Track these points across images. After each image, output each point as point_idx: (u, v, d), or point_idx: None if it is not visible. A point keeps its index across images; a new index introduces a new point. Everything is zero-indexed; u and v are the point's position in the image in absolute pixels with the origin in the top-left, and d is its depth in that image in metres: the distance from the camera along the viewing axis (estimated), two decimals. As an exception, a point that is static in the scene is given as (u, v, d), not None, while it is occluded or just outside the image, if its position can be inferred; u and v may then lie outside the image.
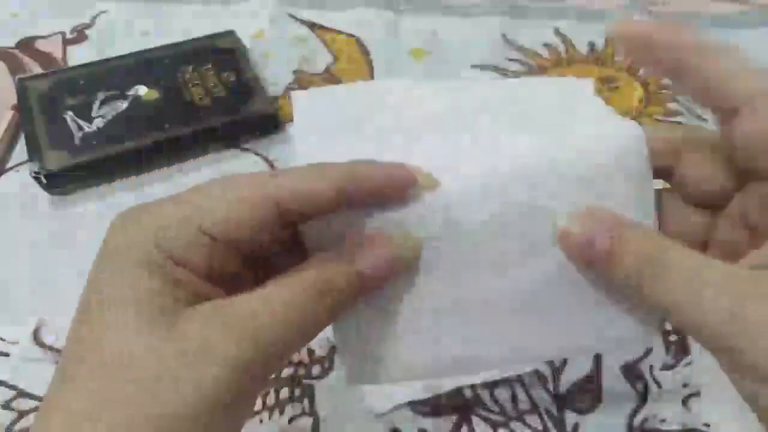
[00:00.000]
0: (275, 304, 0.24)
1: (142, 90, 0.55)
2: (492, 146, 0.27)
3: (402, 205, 0.27)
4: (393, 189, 0.26)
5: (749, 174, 0.26)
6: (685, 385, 0.40)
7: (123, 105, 0.54)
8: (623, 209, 0.26)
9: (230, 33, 0.61)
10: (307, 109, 0.28)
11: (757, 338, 0.22)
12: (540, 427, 0.39)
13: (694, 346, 0.41)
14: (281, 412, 0.39)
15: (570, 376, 0.41)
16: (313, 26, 0.65)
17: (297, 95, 0.28)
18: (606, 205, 0.26)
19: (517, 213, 0.26)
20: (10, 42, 0.63)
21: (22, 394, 0.41)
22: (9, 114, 0.55)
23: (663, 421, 0.39)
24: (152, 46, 0.59)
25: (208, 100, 0.55)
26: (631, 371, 0.41)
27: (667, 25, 0.27)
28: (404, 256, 0.27)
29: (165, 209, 0.25)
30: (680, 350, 0.41)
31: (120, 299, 0.24)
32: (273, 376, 0.40)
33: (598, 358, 0.41)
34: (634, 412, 0.39)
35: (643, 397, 0.40)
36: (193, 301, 0.24)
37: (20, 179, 0.52)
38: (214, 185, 0.26)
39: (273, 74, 0.60)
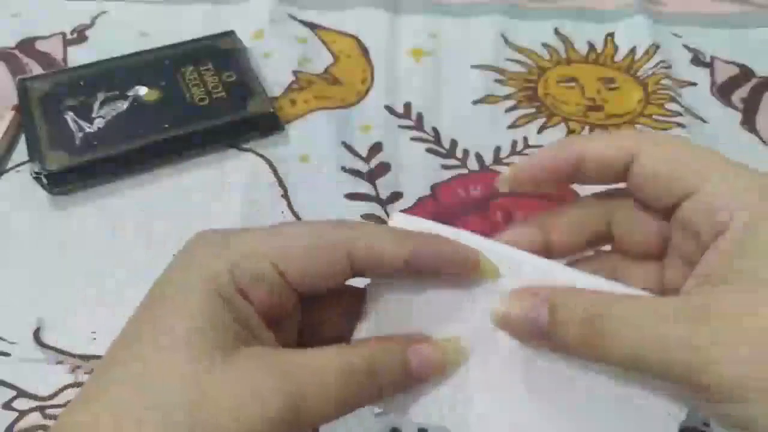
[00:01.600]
0: (325, 370, 0.25)
1: (142, 90, 0.55)
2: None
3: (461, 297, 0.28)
4: (457, 267, 0.27)
5: (667, 210, 0.28)
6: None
7: (123, 105, 0.54)
8: None
9: (230, 33, 0.61)
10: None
11: (715, 356, 0.22)
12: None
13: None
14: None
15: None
16: (313, 26, 0.65)
17: (394, 216, 0.29)
18: None
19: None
20: (10, 42, 0.63)
21: (22, 394, 0.41)
22: (9, 114, 0.55)
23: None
24: (152, 46, 0.59)
25: (208, 100, 0.55)
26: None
27: (545, 152, 0.29)
28: (450, 362, 0.28)
29: (247, 241, 0.26)
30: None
31: (181, 319, 0.24)
32: None
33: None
34: (633, 412, 0.39)
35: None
36: (246, 338, 0.25)
37: (21, 179, 0.52)
38: (295, 227, 0.27)
39: (273, 74, 0.60)
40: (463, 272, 0.27)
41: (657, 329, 0.23)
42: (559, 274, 0.27)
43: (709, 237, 0.25)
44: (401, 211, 0.28)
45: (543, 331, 0.25)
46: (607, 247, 0.32)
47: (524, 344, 0.27)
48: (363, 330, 0.29)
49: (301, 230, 0.27)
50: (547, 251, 0.30)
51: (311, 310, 0.29)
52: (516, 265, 0.27)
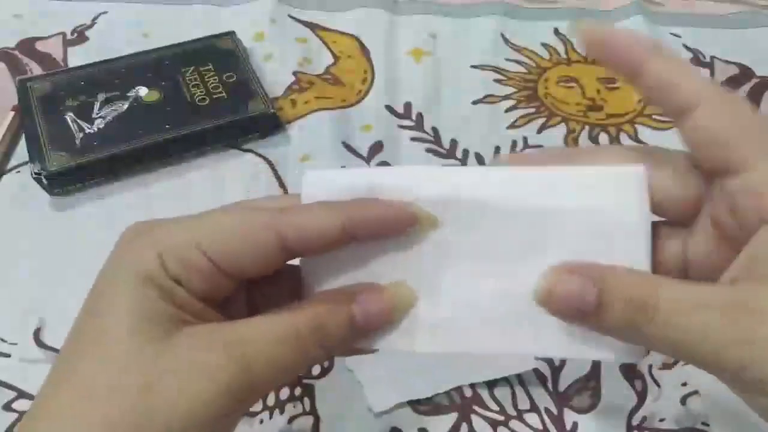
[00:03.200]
0: (269, 335, 0.25)
1: (142, 91, 0.55)
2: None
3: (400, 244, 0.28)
4: (396, 228, 0.27)
5: (711, 174, 0.26)
6: (684, 384, 0.40)
7: (123, 106, 0.54)
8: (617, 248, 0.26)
9: (230, 34, 0.61)
10: (314, 185, 0.28)
11: (760, 353, 0.22)
12: (539, 426, 0.39)
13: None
14: (281, 412, 0.39)
15: (569, 375, 0.41)
16: (313, 27, 0.65)
17: (307, 175, 0.28)
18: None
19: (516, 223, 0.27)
20: (10, 43, 0.63)
21: (22, 395, 0.41)
22: (10, 115, 0.55)
23: (662, 420, 0.39)
24: (152, 47, 0.60)
25: (208, 100, 0.55)
26: (631, 370, 0.41)
27: (625, 30, 0.27)
28: (398, 307, 0.27)
29: (174, 230, 0.26)
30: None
31: (120, 310, 0.25)
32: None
33: (597, 358, 0.42)
34: (633, 411, 0.39)
35: (642, 396, 0.40)
36: (189, 321, 0.25)
37: (21, 180, 0.52)
38: (224, 213, 0.27)
39: (273, 75, 0.60)
40: (402, 231, 0.27)
41: (706, 321, 0.23)
42: (498, 188, 0.27)
43: (754, 220, 0.24)
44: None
45: (588, 312, 0.24)
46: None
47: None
48: (305, 289, 0.29)
49: (228, 215, 0.27)
50: None
51: (257, 289, 0.29)
52: (451, 195, 0.27)
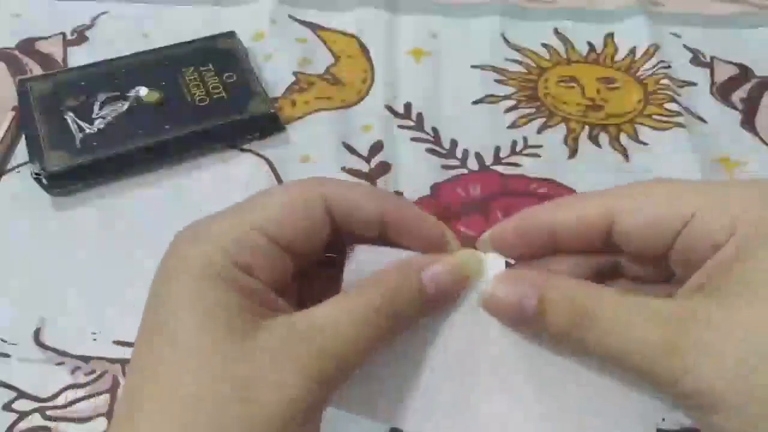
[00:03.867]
0: (346, 315, 0.25)
1: (142, 91, 0.55)
2: None
3: None
4: (425, 244, 0.28)
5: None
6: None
7: (124, 106, 0.54)
8: None
9: (231, 34, 0.61)
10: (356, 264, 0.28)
11: (693, 363, 0.22)
12: (539, 427, 0.39)
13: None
14: (281, 412, 0.39)
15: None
16: (313, 27, 0.65)
17: (358, 247, 0.28)
18: None
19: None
20: (10, 43, 0.63)
21: (22, 395, 0.41)
22: (9, 115, 0.55)
23: (662, 420, 0.39)
24: (153, 47, 0.60)
25: (208, 101, 0.55)
26: (631, 371, 0.41)
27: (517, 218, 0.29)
28: (465, 273, 0.27)
29: (228, 218, 0.26)
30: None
31: (191, 312, 0.24)
32: None
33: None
34: (633, 412, 0.39)
35: (642, 397, 0.40)
36: (264, 313, 0.25)
37: (21, 180, 0.52)
38: (267, 193, 0.27)
39: (273, 75, 0.60)
40: (430, 246, 0.28)
41: (643, 330, 0.23)
42: None
43: (706, 249, 0.25)
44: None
45: (528, 317, 0.25)
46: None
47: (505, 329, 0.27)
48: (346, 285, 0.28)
49: (276, 192, 0.27)
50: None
51: (307, 287, 0.29)
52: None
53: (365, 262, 0.27)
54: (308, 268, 0.29)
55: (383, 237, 0.28)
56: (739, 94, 0.60)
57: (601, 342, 0.24)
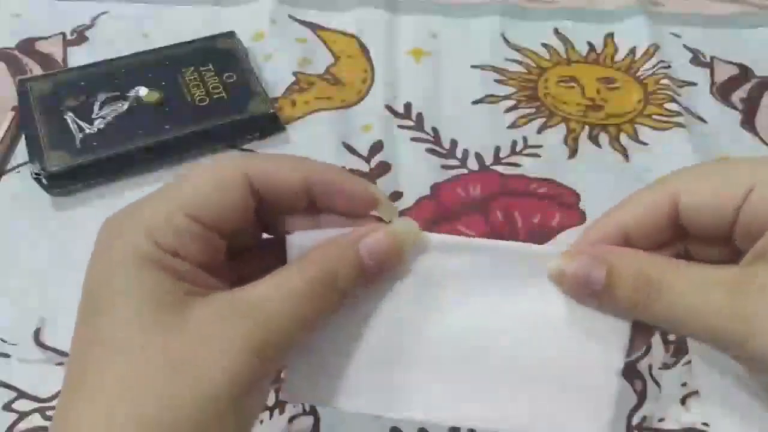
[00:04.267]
0: (285, 290, 0.25)
1: (142, 91, 0.55)
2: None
3: None
4: (354, 204, 0.28)
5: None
6: (683, 385, 0.40)
7: (123, 106, 0.54)
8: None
9: (230, 34, 0.61)
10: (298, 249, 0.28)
11: (758, 327, 0.23)
12: (539, 427, 0.39)
13: (693, 346, 0.41)
14: (281, 412, 0.39)
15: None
16: (313, 27, 0.65)
17: (291, 238, 0.28)
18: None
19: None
20: (10, 43, 0.63)
21: (22, 395, 0.41)
22: (9, 115, 0.55)
23: (662, 420, 0.39)
24: (153, 47, 0.60)
25: (208, 101, 0.55)
26: (630, 370, 0.41)
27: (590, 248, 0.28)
28: (403, 242, 0.27)
29: (152, 203, 0.26)
30: (679, 350, 0.41)
31: (122, 296, 0.24)
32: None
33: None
34: (633, 411, 0.39)
35: (642, 396, 0.40)
36: (196, 292, 0.25)
37: (21, 180, 0.52)
38: (191, 173, 0.27)
39: (273, 75, 0.60)
40: (359, 205, 0.28)
41: (709, 297, 0.24)
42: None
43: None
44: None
45: (597, 290, 0.26)
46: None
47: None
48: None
49: (198, 173, 0.27)
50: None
51: (241, 270, 0.29)
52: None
53: (304, 247, 0.27)
54: (246, 248, 0.29)
55: (313, 206, 0.28)
56: (739, 94, 0.60)
57: (669, 310, 0.25)
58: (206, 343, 0.23)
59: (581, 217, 0.50)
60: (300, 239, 0.27)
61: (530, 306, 0.27)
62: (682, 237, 0.28)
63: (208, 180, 0.26)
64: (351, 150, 0.54)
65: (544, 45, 0.64)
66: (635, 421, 0.39)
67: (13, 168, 0.53)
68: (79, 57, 0.61)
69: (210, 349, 0.23)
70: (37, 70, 0.60)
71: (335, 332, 0.28)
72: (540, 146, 0.55)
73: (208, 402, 0.23)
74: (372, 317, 0.28)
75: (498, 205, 0.51)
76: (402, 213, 0.49)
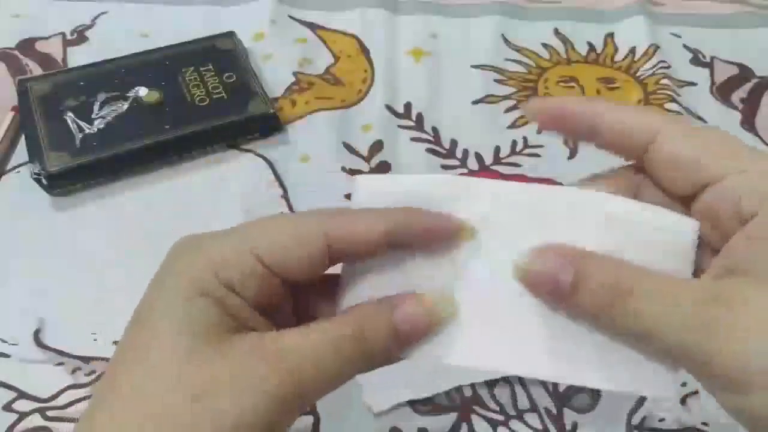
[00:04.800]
0: (317, 344, 0.25)
1: (142, 91, 0.55)
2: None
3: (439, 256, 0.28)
4: (438, 237, 0.28)
5: (685, 199, 0.27)
6: (683, 384, 0.40)
7: (123, 106, 0.54)
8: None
9: (230, 34, 0.61)
10: (364, 190, 0.28)
11: (724, 343, 0.22)
12: (539, 426, 0.39)
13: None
14: (281, 412, 0.39)
15: (569, 375, 0.41)
16: (313, 27, 0.65)
17: (359, 179, 0.29)
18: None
19: None
20: (10, 43, 0.63)
21: (22, 395, 0.41)
22: (9, 115, 0.55)
23: (662, 420, 0.39)
24: (152, 47, 0.60)
25: (208, 101, 0.55)
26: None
27: (570, 98, 0.28)
28: (440, 315, 0.27)
29: (224, 239, 0.27)
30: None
31: (170, 319, 0.25)
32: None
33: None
34: (633, 411, 0.39)
35: (642, 396, 0.40)
36: (241, 329, 0.25)
37: (21, 180, 0.52)
38: (272, 219, 0.27)
39: (273, 75, 0.60)
40: (443, 241, 0.28)
41: (676, 310, 0.23)
42: (541, 206, 0.27)
43: (733, 225, 0.25)
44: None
45: (563, 293, 0.25)
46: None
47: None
48: (343, 305, 0.29)
49: (280, 220, 0.27)
50: None
51: (305, 300, 0.29)
52: (492, 210, 0.28)
53: (370, 193, 0.28)
54: (308, 286, 0.29)
55: (395, 247, 0.28)
56: (739, 94, 0.60)
57: (634, 321, 0.24)
58: (230, 381, 0.24)
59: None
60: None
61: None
62: (639, 170, 0.28)
63: (287, 230, 0.27)
64: (351, 150, 0.54)
65: (544, 45, 0.64)
66: (635, 421, 0.39)
67: (13, 168, 0.53)
68: (79, 57, 0.61)
69: (232, 386, 0.24)
70: (37, 70, 0.60)
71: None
72: (540, 146, 0.55)
73: None
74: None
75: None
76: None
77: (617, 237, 0.26)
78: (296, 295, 0.29)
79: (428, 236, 0.28)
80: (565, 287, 0.25)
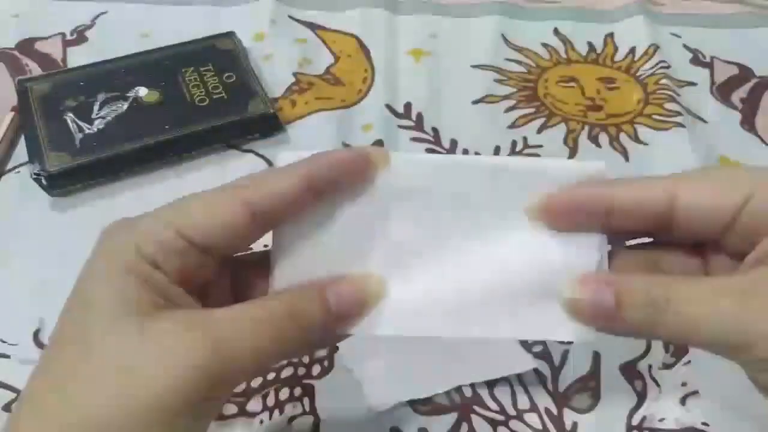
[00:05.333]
0: (244, 321, 0.26)
1: (142, 91, 0.55)
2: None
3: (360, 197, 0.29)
4: (354, 171, 0.28)
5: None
6: (683, 384, 0.40)
7: (123, 106, 0.54)
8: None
9: (230, 34, 0.61)
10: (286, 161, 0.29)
11: (765, 331, 0.24)
12: (539, 426, 0.39)
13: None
14: (281, 412, 0.39)
15: (569, 375, 0.41)
16: (313, 27, 0.65)
17: (281, 155, 0.29)
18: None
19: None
20: (10, 43, 0.63)
21: (23, 394, 0.41)
22: (9, 115, 0.55)
23: (662, 420, 0.39)
24: (152, 47, 0.60)
25: (208, 101, 0.55)
26: (630, 370, 0.41)
27: (577, 188, 0.28)
28: (370, 294, 0.28)
29: (146, 218, 0.27)
30: (679, 350, 0.41)
31: (99, 299, 0.25)
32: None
33: (597, 357, 0.41)
34: (633, 411, 0.39)
35: (642, 396, 0.40)
36: (166, 306, 0.26)
37: (20, 180, 0.52)
38: (192, 194, 0.28)
39: (273, 75, 0.60)
40: (358, 170, 0.28)
41: (715, 306, 0.25)
42: (459, 177, 0.29)
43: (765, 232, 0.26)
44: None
45: (609, 314, 0.26)
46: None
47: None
48: (275, 279, 0.29)
49: (200, 194, 0.28)
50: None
51: (245, 283, 0.30)
52: (416, 184, 0.29)
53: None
54: (248, 267, 0.30)
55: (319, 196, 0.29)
56: (739, 94, 0.60)
57: (678, 324, 0.25)
58: (159, 354, 0.24)
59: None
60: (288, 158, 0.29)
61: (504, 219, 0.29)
62: (665, 235, 0.28)
63: (204, 201, 0.27)
64: (351, 150, 0.54)
65: (544, 45, 0.64)
66: (635, 421, 0.39)
67: (13, 168, 0.53)
68: (78, 57, 0.61)
69: (161, 359, 0.24)
70: (36, 71, 0.60)
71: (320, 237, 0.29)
72: (540, 146, 0.55)
73: (154, 410, 0.24)
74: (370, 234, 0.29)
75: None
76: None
77: (534, 189, 0.28)
78: (237, 278, 0.29)
79: (344, 169, 0.28)
80: (610, 310, 0.26)
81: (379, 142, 0.55)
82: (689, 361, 0.41)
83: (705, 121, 0.57)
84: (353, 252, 0.29)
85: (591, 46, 0.64)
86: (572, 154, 0.54)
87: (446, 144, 0.55)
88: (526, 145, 0.55)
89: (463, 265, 0.29)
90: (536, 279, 0.28)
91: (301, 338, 0.27)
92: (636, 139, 0.56)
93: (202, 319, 0.25)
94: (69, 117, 0.53)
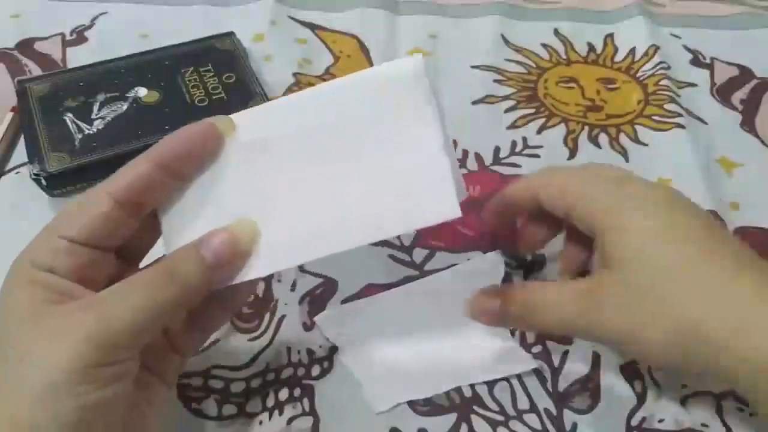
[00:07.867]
0: (121, 287, 0.29)
1: (142, 91, 0.55)
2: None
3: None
4: (203, 142, 0.32)
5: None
6: (683, 386, 0.40)
7: (123, 106, 0.54)
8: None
9: (230, 34, 0.61)
10: None
11: (609, 327, 0.33)
12: (539, 427, 0.39)
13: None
14: (281, 413, 0.39)
15: (569, 375, 0.41)
16: (313, 27, 0.65)
17: None
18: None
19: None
20: (9, 43, 0.63)
21: (22, 394, 0.41)
22: (9, 116, 0.55)
23: (661, 421, 0.39)
24: (152, 47, 0.60)
25: (207, 101, 0.55)
26: (630, 371, 0.41)
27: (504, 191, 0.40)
28: (241, 240, 0.31)
29: (41, 233, 0.31)
30: (679, 350, 0.41)
31: (6, 311, 0.29)
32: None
33: (597, 358, 0.41)
34: (633, 412, 0.39)
35: (642, 397, 0.40)
36: (65, 301, 0.29)
37: (20, 181, 0.52)
38: (70, 201, 0.32)
39: (273, 76, 0.60)
40: (208, 140, 0.32)
41: (565, 305, 0.34)
42: (302, 110, 0.32)
43: (592, 234, 0.36)
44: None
45: (499, 314, 0.36)
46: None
47: None
48: (168, 252, 0.33)
49: (76, 199, 0.31)
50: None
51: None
52: (266, 127, 0.32)
53: None
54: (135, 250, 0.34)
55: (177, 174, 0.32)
56: (739, 95, 0.60)
57: (542, 320, 0.35)
58: (50, 336, 0.27)
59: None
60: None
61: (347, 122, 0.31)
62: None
63: (78, 203, 0.31)
64: (351, 150, 0.54)
65: (544, 45, 0.64)
66: (635, 421, 0.39)
67: (13, 169, 0.53)
68: (78, 57, 0.61)
69: (52, 340, 0.27)
70: (36, 71, 0.60)
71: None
72: (540, 147, 0.55)
73: (49, 385, 0.26)
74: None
75: (498, 205, 0.51)
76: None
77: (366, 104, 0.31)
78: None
79: (193, 144, 0.31)
80: (498, 310, 0.36)
81: (378, 143, 0.54)
82: (689, 362, 0.41)
83: (705, 122, 0.57)
84: (226, 209, 0.32)
85: (591, 47, 0.64)
86: (572, 154, 0.54)
87: (446, 144, 0.55)
88: (525, 146, 0.55)
89: (329, 188, 0.31)
90: (400, 175, 0.31)
91: (182, 295, 0.30)
92: (636, 139, 0.56)
93: (88, 301, 0.29)
94: (69, 117, 0.53)
